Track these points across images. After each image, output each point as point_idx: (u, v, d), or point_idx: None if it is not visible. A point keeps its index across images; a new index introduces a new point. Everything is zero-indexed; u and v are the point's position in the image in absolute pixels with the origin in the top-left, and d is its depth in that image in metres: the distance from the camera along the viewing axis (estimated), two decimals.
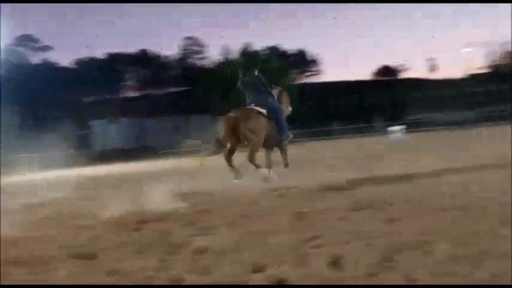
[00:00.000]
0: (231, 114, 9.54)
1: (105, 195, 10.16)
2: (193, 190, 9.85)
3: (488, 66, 66.03)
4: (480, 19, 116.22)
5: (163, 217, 6.78)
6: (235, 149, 9.74)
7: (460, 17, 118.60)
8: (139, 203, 8.36)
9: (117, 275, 4.19)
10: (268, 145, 9.97)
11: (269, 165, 10.15)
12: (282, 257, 4.38)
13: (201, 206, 7.66)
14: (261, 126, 9.36)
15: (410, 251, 4.22)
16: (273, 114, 9.67)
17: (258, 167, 9.64)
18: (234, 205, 7.43)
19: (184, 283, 3.88)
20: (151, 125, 51.65)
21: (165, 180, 12.88)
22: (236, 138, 9.42)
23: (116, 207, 8.10)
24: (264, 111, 9.48)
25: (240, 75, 10.70)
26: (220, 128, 9.38)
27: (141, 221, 6.62)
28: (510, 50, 62.14)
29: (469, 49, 67.55)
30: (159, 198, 8.56)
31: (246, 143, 9.45)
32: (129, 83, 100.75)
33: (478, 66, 69.45)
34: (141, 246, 5.14)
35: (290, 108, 11.01)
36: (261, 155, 10.17)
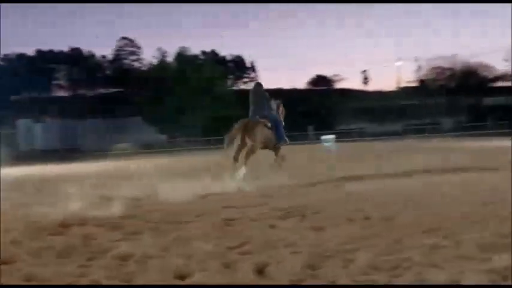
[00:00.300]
0: (244, 122, 11.59)
1: (26, 197, 9.76)
2: (119, 194, 9.63)
3: (417, 81, 68.98)
4: (412, 35, 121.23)
5: (86, 221, 6.53)
6: (241, 150, 11.41)
7: (392, 32, 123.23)
8: (62, 206, 8.06)
9: (34, 280, 4.02)
10: (266, 148, 11.88)
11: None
12: (207, 264, 4.32)
13: (127, 210, 7.46)
14: (263, 136, 11.44)
15: (334, 259, 4.25)
16: (274, 125, 11.74)
17: (245, 165, 11.13)
18: (161, 210, 7.27)
19: None
20: (81, 126, 50.25)
21: (90, 183, 12.54)
22: (243, 141, 11.36)
23: (36, 210, 7.77)
24: (268, 124, 11.58)
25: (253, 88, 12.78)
26: (234, 130, 11.39)
27: (63, 224, 6.35)
28: (437, 65, 65.24)
29: (400, 63, 69.97)
30: (82, 202, 8.29)
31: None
32: (60, 82, 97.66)
33: (408, 80, 72.55)
34: (61, 251, 4.93)
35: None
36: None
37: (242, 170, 10.98)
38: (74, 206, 8.04)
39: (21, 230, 6.08)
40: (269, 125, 11.67)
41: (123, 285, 4.24)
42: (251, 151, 11.26)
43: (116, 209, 7.62)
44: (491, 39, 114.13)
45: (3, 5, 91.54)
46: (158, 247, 4.93)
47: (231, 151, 11.59)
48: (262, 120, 11.63)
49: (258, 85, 12.65)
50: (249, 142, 11.35)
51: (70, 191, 9.88)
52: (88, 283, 3.90)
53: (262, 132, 11.46)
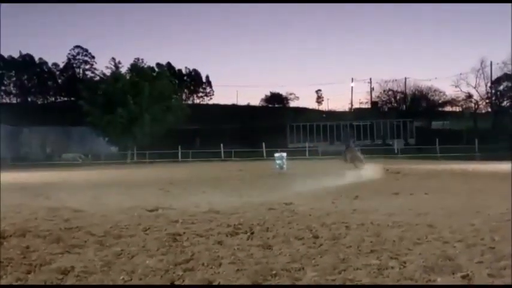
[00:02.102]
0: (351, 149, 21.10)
1: None
2: (63, 205, 9.38)
3: (370, 102, 70.39)
4: (366, 57, 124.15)
5: (26, 232, 6.30)
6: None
7: (346, 52, 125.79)
8: (3, 216, 7.76)
9: None
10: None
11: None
12: (150, 280, 4.24)
13: (70, 222, 7.24)
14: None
15: (280, 277, 4.24)
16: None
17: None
18: (105, 223, 7.09)
19: None
20: (28, 134, 48.75)
21: (34, 193, 12.17)
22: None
23: None
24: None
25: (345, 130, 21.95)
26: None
27: (2, 235, 6.10)
28: (389, 88, 66.90)
29: (353, 84, 71.36)
30: (23, 212, 8.03)
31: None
32: (8, 88, 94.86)
33: (361, 101, 73.99)
34: None
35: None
36: None
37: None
38: (15, 216, 7.77)
39: None
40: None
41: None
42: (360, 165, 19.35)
43: (57, 220, 7.41)
44: (442, 65, 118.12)
45: None
46: (100, 261, 4.80)
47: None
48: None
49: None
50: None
51: (11, 201, 9.57)
52: None
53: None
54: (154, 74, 46.76)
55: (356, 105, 74.02)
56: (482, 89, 59.15)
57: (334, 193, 11.38)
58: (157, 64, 66.49)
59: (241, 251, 5.21)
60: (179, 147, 42.74)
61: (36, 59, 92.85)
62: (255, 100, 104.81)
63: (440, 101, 67.06)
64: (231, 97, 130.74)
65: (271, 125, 57.32)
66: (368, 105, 71.02)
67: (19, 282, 4.20)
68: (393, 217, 7.39)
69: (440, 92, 65.85)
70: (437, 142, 40.53)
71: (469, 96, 61.48)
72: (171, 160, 40.47)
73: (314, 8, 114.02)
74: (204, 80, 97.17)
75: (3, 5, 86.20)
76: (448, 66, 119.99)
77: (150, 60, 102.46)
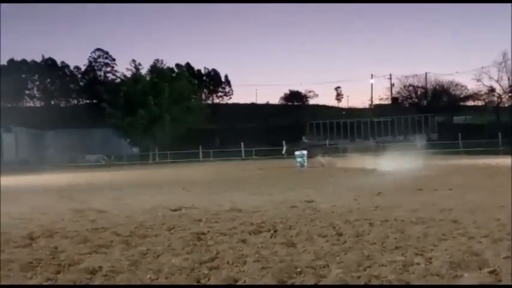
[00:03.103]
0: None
1: None
2: (89, 206, 9.52)
3: (390, 98, 69.87)
4: (385, 53, 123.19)
5: (54, 233, 6.41)
6: None
7: (366, 48, 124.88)
8: (30, 218, 7.91)
9: None
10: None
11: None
12: (177, 278, 4.29)
13: (96, 223, 7.35)
14: None
15: (305, 275, 4.25)
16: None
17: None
18: (130, 223, 7.18)
19: None
20: (52, 137, 49.43)
21: (59, 195, 12.35)
22: None
23: (3, 221, 7.62)
24: None
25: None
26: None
27: (31, 236, 6.23)
28: (409, 83, 66.38)
29: (373, 80, 70.85)
30: (50, 214, 8.15)
31: None
32: (32, 92, 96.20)
33: (381, 97, 73.51)
34: (28, 264, 4.82)
35: None
36: None
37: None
38: (42, 218, 7.90)
39: None
40: None
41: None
42: None
43: (84, 221, 7.52)
44: (464, 59, 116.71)
45: None
46: (127, 261, 4.87)
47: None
48: None
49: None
50: None
51: (38, 203, 9.73)
52: None
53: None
54: (174, 74, 47.00)
55: (376, 102, 73.47)
56: (505, 83, 58.15)
57: (355, 190, 11.34)
58: (177, 65, 67.00)
59: (265, 249, 5.23)
60: (200, 147, 42.96)
61: (59, 62, 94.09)
62: (274, 99, 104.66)
63: (462, 96, 66.29)
64: (250, 96, 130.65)
65: (290, 123, 57.23)
66: (388, 101, 70.43)
67: (49, 282, 4.28)
68: (417, 213, 7.35)
69: (462, 86, 65.13)
70: (459, 137, 40.07)
71: (492, 90, 60.58)
72: (192, 160, 40.70)
73: (332, 5, 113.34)
74: (223, 79, 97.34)
75: (23, 10, 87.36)
76: (469, 60, 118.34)
77: (170, 61, 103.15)
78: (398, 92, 68.95)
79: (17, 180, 20.65)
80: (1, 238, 6.16)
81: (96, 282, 4.26)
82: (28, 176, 23.89)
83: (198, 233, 6.20)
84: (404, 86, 67.35)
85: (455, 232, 5.81)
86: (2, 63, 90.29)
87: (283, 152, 28.14)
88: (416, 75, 65.68)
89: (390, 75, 68.36)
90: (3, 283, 4.25)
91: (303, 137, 28.83)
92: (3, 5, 73.79)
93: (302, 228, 6.39)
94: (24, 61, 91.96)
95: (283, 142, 29.72)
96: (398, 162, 19.16)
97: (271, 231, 6.25)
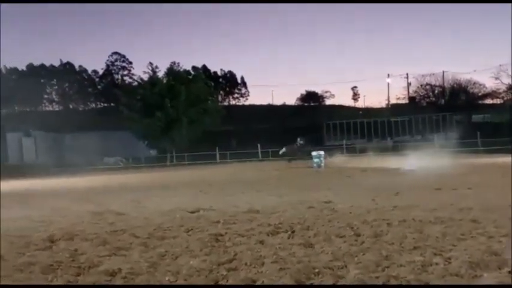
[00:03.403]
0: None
1: (13, 212, 9.70)
2: (107, 209, 9.60)
3: (408, 97, 69.47)
4: (401, 52, 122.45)
5: (74, 236, 6.49)
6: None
7: (382, 48, 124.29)
8: (51, 221, 8.01)
9: None
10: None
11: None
12: (196, 279, 4.32)
13: (115, 225, 7.41)
14: None
15: (323, 275, 4.25)
16: None
17: None
18: (149, 225, 7.24)
19: None
20: (70, 140, 49.97)
21: (78, 198, 12.48)
22: None
23: (23, 225, 7.72)
24: None
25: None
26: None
27: (51, 239, 6.30)
28: (427, 82, 65.89)
29: (389, 79, 70.34)
30: (70, 216, 8.24)
31: None
32: (51, 96, 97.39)
33: (398, 96, 72.99)
34: (48, 266, 4.89)
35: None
36: None
37: None
38: (62, 220, 7.99)
39: (7, 245, 6.03)
40: None
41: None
42: None
43: (103, 224, 7.59)
44: (482, 57, 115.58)
45: None
46: (146, 263, 4.91)
47: None
48: None
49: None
50: None
51: (58, 206, 9.83)
52: None
53: None
54: (190, 77, 47.21)
55: (393, 101, 73.00)
56: None
57: (373, 190, 11.29)
58: (193, 67, 67.22)
59: (283, 250, 5.24)
60: (217, 148, 43.09)
61: (76, 66, 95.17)
62: (291, 99, 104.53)
63: (480, 94, 65.59)
64: (267, 97, 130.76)
65: (307, 124, 57.14)
66: (405, 101, 69.91)
67: (69, 284, 4.34)
68: (435, 213, 7.30)
69: (480, 85, 64.46)
70: (478, 135, 39.63)
71: (511, 87, 59.85)
72: (209, 161, 40.82)
73: (347, 5, 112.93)
74: (239, 81, 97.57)
75: (40, 15, 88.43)
76: (487, 58, 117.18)
77: (186, 64, 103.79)
78: (415, 91, 68.43)
79: (37, 183, 20.90)
80: (22, 241, 6.26)
81: (116, 284, 4.30)
82: (48, 179, 24.15)
83: (216, 235, 6.22)
84: (422, 85, 66.84)
85: (475, 232, 5.76)
86: (21, 68, 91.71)
87: (280, 152, 29.87)
88: (433, 74, 65.19)
89: (407, 74, 67.84)
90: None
91: (298, 139, 29.31)
92: (16, 9, 74.67)
93: (320, 229, 6.38)
94: (42, 66, 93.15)
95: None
96: (417, 161, 19.03)
97: (289, 232, 6.26)
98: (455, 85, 64.93)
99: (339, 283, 4.03)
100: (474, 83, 63.94)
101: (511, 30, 73.31)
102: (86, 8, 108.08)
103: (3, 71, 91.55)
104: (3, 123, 48.27)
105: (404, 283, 3.94)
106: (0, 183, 19.31)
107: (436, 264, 4.43)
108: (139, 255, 5.25)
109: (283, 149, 29.37)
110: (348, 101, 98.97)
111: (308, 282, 4.11)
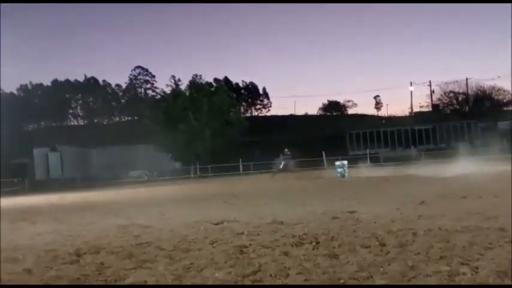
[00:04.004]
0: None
1: (40, 226, 9.86)
2: (132, 222, 9.68)
3: (431, 105, 68.73)
4: (424, 60, 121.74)
5: (100, 249, 6.56)
6: None
7: (404, 56, 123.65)
8: (77, 235, 8.10)
9: None
10: None
11: None
12: None
13: (140, 238, 7.47)
14: None
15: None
16: None
17: None
18: (173, 238, 7.28)
19: None
20: (96, 154, 50.67)
21: (105, 212, 12.59)
22: None
23: (51, 239, 7.83)
24: None
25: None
26: None
27: (77, 253, 6.39)
28: (450, 89, 65.18)
29: (412, 88, 69.82)
30: (96, 230, 8.32)
31: None
32: (76, 111, 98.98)
33: (421, 104, 72.37)
34: (76, 280, 4.96)
35: None
36: None
37: None
38: (88, 234, 8.08)
39: (35, 259, 6.13)
40: None
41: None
42: None
43: (128, 237, 7.66)
44: (506, 63, 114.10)
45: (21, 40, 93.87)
46: (171, 275, 4.94)
47: None
48: None
49: None
50: None
51: (85, 219, 9.94)
52: None
53: None
54: (213, 89, 47.57)
55: (416, 109, 72.39)
56: None
57: (397, 199, 11.19)
58: (215, 79, 67.82)
59: (308, 261, 5.22)
60: (240, 160, 43.21)
61: (100, 81, 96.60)
62: (313, 109, 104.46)
63: (505, 100, 64.67)
64: (289, 108, 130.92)
65: (330, 134, 56.97)
66: (429, 109, 69.27)
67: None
68: (462, 222, 7.20)
69: (505, 91, 63.60)
70: (504, 142, 39.04)
71: None
72: (233, 173, 40.93)
73: (369, 14, 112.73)
74: (261, 92, 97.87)
75: (65, 32, 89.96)
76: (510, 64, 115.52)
77: (208, 76, 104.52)
78: (438, 99, 67.80)
79: (63, 197, 21.19)
80: (49, 255, 6.35)
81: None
82: (74, 193, 24.46)
83: (241, 246, 6.23)
84: (445, 93, 66.17)
85: (502, 240, 5.67)
86: (46, 83, 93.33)
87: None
88: (456, 81, 64.55)
89: (430, 82, 67.30)
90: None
91: (285, 150, 30.20)
92: (36, 24, 76.04)
93: (344, 239, 6.35)
94: (67, 81, 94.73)
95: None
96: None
97: (314, 243, 6.23)
98: (479, 92, 64.19)
99: None
100: (498, 90, 63.18)
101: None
102: (108, 23, 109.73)
103: (29, 87, 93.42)
104: (30, 139, 49.18)
105: None
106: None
107: (463, 274, 4.37)
108: (165, 268, 5.29)
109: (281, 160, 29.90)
110: (370, 110, 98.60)
111: None
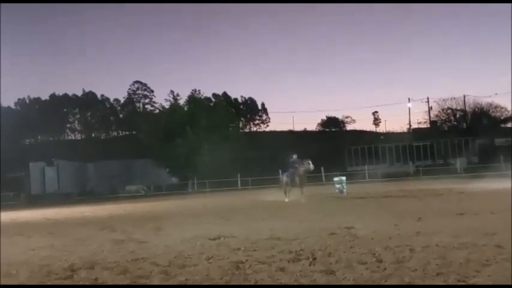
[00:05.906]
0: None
1: (34, 241, 9.80)
2: (128, 237, 9.63)
3: (428, 122, 68.81)
4: (421, 76, 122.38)
5: (95, 265, 6.50)
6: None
7: (402, 72, 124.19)
8: (72, 250, 8.05)
9: None
10: None
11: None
12: None
13: (135, 253, 7.42)
14: None
15: None
16: None
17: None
18: (169, 253, 7.22)
19: None
20: (93, 169, 50.52)
21: (100, 227, 12.53)
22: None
23: (46, 253, 7.78)
24: None
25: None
26: None
27: (72, 268, 6.33)
28: (448, 106, 65.30)
29: (410, 104, 69.93)
30: (92, 245, 8.27)
31: None
32: (73, 125, 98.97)
33: (419, 121, 72.40)
34: None
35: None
36: None
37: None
38: (83, 249, 8.03)
39: (28, 274, 6.07)
40: None
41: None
42: None
43: (123, 252, 7.61)
44: (503, 80, 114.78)
45: (16, 52, 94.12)
46: None
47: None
48: None
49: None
50: None
51: (80, 234, 9.88)
52: None
53: None
54: (211, 104, 47.65)
55: (414, 125, 72.47)
56: None
57: (395, 215, 11.15)
58: (214, 94, 67.95)
59: (304, 277, 5.18)
60: (238, 175, 43.13)
61: (99, 95, 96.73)
62: (312, 125, 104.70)
63: (502, 118, 64.81)
64: (287, 123, 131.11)
65: (328, 149, 57.01)
66: (427, 125, 69.35)
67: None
68: (459, 238, 7.17)
69: (502, 108, 63.76)
70: (501, 159, 39.03)
71: None
72: (231, 188, 40.82)
73: (368, 30, 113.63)
74: (259, 107, 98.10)
75: (65, 46, 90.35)
76: (508, 81, 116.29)
77: (207, 91, 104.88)
78: (436, 115, 67.80)
79: (59, 212, 21.09)
80: (43, 270, 6.30)
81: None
82: (70, 207, 24.36)
83: (237, 262, 6.18)
84: (443, 109, 66.27)
85: (499, 257, 5.64)
86: (44, 98, 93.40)
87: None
88: (454, 98, 64.63)
89: (428, 98, 67.40)
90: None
91: (293, 156, 23.84)
92: (36, 38, 76.46)
93: (341, 256, 6.31)
94: (65, 95, 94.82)
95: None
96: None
97: (310, 259, 6.19)
98: (476, 109, 64.30)
99: None
100: (496, 107, 63.29)
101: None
102: (107, 37, 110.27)
103: (27, 101, 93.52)
104: (26, 153, 49.07)
105: None
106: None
107: None
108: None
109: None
110: (369, 126, 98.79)
111: None
